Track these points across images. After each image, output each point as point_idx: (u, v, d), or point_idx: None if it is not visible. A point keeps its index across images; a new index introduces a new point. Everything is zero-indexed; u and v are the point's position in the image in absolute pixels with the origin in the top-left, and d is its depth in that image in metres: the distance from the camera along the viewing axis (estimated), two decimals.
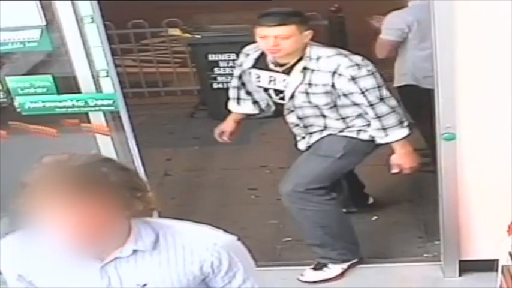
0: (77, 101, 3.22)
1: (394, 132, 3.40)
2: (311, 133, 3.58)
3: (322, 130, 3.53)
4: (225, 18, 5.69)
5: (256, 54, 3.50)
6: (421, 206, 4.24)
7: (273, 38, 3.24)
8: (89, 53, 3.14)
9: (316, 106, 3.41)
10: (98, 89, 3.22)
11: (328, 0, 5.90)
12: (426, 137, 4.50)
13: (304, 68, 3.33)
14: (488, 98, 3.14)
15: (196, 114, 5.90)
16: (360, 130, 3.49)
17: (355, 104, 3.37)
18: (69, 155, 1.59)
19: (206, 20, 5.72)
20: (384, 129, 3.39)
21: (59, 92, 3.20)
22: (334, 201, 3.62)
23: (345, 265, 3.73)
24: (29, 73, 3.35)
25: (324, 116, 3.46)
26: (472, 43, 3.01)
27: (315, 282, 3.72)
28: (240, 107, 3.82)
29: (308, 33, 3.33)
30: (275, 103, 3.63)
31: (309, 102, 3.38)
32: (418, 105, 4.24)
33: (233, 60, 5.56)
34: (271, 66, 3.42)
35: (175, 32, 6.01)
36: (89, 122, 3.33)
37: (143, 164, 3.44)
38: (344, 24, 5.84)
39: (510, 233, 3.05)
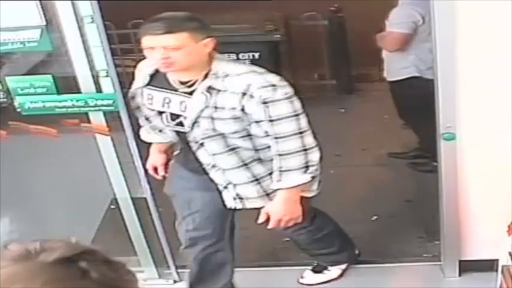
0: (77, 101, 3.22)
1: (290, 177, 2.76)
2: (235, 184, 2.89)
3: (252, 181, 2.88)
4: (225, 18, 5.68)
5: (150, 70, 2.87)
6: (421, 206, 4.23)
7: (161, 49, 2.63)
8: (89, 53, 3.14)
9: (222, 135, 2.76)
10: (98, 89, 3.22)
11: (328, 0, 5.90)
12: (426, 132, 4.52)
13: (210, 88, 2.70)
14: (488, 98, 3.14)
15: None
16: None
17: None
18: (41, 244, 1.23)
19: (206, 20, 5.71)
20: (280, 171, 2.75)
21: (59, 92, 3.20)
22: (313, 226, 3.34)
23: (344, 266, 3.73)
24: (29, 73, 3.35)
25: (236, 153, 2.81)
26: (472, 43, 3.01)
27: (316, 284, 3.72)
28: (149, 135, 3.17)
29: (208, 42, 2.74)
30: (177, 133, 2.91)
31: (214, 129, 2.73)
32: (420, 97, 4.26)
33: (233, 60, 5.57)
34: (173, 84, 2.81)
35: None
36: (89, 122, 3.33)
37: (143, 164, 3.44)
38: (344, 24, 5.83)
39: (510, 233, 3.05)
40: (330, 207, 4.37)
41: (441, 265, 3.71)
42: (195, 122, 2.74)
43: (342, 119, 5.59)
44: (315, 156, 2.76)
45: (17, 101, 3.26)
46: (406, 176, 4.66)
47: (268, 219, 2.87)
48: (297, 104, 2.73)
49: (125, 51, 6.16)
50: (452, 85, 3.11)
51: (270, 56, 5.58)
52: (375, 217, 4.25)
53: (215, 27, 5.57)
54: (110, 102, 3.21)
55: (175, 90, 2.78)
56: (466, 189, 3.40)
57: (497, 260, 3.10)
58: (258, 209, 2.94)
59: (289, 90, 2.73)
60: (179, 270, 3.80)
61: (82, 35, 3.09)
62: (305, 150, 2.72)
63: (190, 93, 2.74)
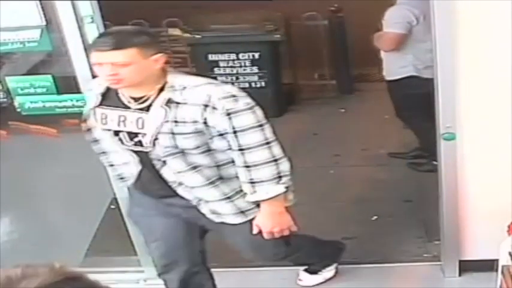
0: (77, 101, 3.22)
1: (264, 188, 2.66)
2: (207, 201, 2.77)
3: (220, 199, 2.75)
4: (225, 18, 5.69)
5: (101, 89, 2.72)
6: (421, 206, 4.24)
7: (109, 65, 2.50)
8: (89, 53, 3.14)
9: (183, 152, 2.63)
10: None
11: (328, 0, 5.90)
12: (424, 131, 4.55)
13: (169, 101, 2.58)
14: (488, 98, 3.14)
15: None
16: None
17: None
18: (23, 271, 1.16)
19: (206, 20, 5.72)
20: (253, 182, 2.65)
21: (59, 92, 3.21)
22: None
23: (333, 266, 3.71)
24: (29, 73, 3.35)
25: (198, 171, 2.67)
26: (472, 43, 3.01)
27: (314, 286, 3.72)
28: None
29: (158, 58, 2.59)
30: (137, 154, 2.73)
31: (175, 146, 2.60)
32: (417, 97, 4.31)
33: (233, 60, 5.58)
34: (125, 101, 2.66)
35: (175, 32, 6.01)
36: None
37: None
38: (344, 24, 5.84)
39: (510, 233, 3.05)
40: (330, 207, 4.38)
41: (441, 265, 3.71)
42: (155, 139, 2.60)
43: (342, 119, 5.60)
44: (285, 166, 2.67)
45: (17, 101, 3.26)
46: (406, 176, 4.66)
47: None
48: (260, 114, 2.63)
49: None
50: (452, 85, 3.11)
51: (270, 56, 5.59)
52: (375, 217, 4.25)
53: (215, 27, 5.63)
54: None
55: (129, 107, 2.65)
56: (466, 189, 3.40)
57: (497, 260, 3.09)
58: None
59: (250, 100, 2.61)
60: None
61: (82, 35, 3.09)
62: (275, 160, 2.63)
63: (147, 109, 2.61)
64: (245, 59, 5.57)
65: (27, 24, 3.07)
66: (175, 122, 2.56)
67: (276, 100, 5.72)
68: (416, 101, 4.34)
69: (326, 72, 6.11)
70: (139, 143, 2.66)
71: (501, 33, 2.95)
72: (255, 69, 5.59)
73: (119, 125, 2.67)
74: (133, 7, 6.12)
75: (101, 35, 2.64)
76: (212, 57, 5.59)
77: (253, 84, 5.64)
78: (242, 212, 2.78)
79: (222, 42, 5.55)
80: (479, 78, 3.10)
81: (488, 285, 3.19)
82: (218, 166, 2.69)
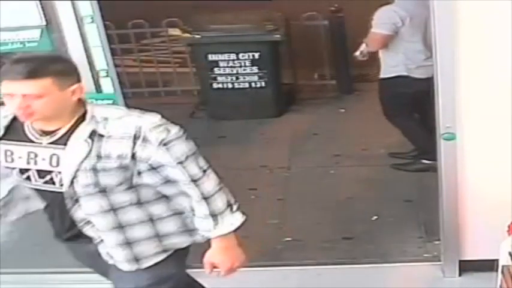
0: None
1: (228, 220, 2.45)
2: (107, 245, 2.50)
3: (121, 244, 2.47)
4: (225, 18, 5.69)
5: (6, 121, 2.38)
6: (421, 206, 4.24)
7: (20, 97, 2.20)
8: (89, 53, 3.14)
9: (104, 191, 2.36)
10: (98, 89, 3.22)
11: (328, 0, 5.91)
12: (412, 131, 4.62)
13: (92, 134, 2.29)
14: (488, 98, 3.14)
15: (196, 114, 5.91)
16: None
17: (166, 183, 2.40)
18: None
19: (206, 20, 5.72)
20: (214, 215, 2.42)
21: None
22: None
23: None
24: None
25: (115, 213, 2.41)
26: (472, 43, 3.01)
27: None
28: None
29: (76, 89, 2.29)
30: (43, 193, 2.44)
31: (96, 184, 2.32)
32: (407, 96, 4.40)
33: (233, 60, 5.58)
34: (34, 135, 2.35)
35: (175, 32, 6.01)
36: None
37: None
38: (344, 24, 5.84)
39: (510, 233, 3.05)
40: (330, 207, 4.39)
41: (441, 265, 3.71)
42: (74, 177, 2.31)
43: (342, 119, 5.60)
44: (227, 190, 2.47)
45: None
46: (406, 176, 4.66)
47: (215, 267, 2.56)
48: (191, 141, 2.41)
49: (124, 51, 6.17)
50: (452, 85, 3.11)
51: (270, 56, 5.59)
52: (375, 217, 4.25)
53: (215, 27, 5.63)
54: (110, 102, 3.22)
55: (40, 142, 2.33)
56: (466, 189, 3.40)
57: (497, 260, 3.09)
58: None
59: (178, 129, 2.38)
60: None
61: (82, 35, 3.09)
62: (221, 188, 2.44)
63: (64, 143, 2.30)
64: (245, 59, 5.57)
65: (27, 24, 3.07)
66: (98, 157, 2.29)
67: (276, 100, 5.73)
68: (405, 100, 4.48)
69: (326, 72, 6.12)
70: (51, 181, 2.36)
71: (501, 33, 2.95)
72: (255, 69, 5.59)
73: (28, 162, 2.35)
74: (133, 7, 6.13)
75: (13, 62, 2.26)
76: (212, 57, 5.59)
77: (253, 84, 5.64)
78: (137, 260, 2.50)
79: (222, 42, 5.55)
80: (479, 78, 3.10)
81: (488, 285, 3.19)
82: (141, 204, 2.42)
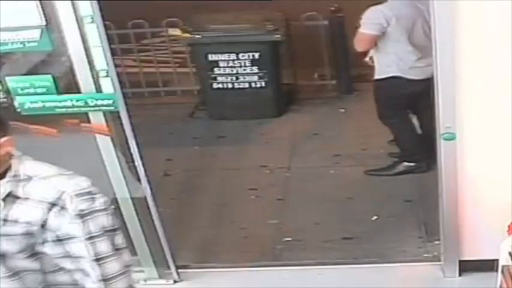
0: (77, 101, 3.22)
1: None
2: None
3: None
4: (225, 18, 5.69)
5: None
6: (421, 206, 4.24)
7: None
8: (89, 53, 3.14)
9: (3, 256, 2.06)
10: (98, 89, 3.22)
11: (328, 0, 5.91)
12: (404, 132, 4.62)
13: (8, 195, 2.02)
14: (488, 98, 3.14)
15: (196, 114, 5.90)
16: None
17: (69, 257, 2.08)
18: None
19: (206, 20, 5.72)
20: None
21: (59, 92, 3.21)
22: None
23: None
24: (29, 73, 3.35)
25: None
26: (472, 43, 3.01)
27: None
28: None
29: (4, 142, 2.03)
30: None
31: None
32: (400, 97, 4.41)
33: (233, 60, 5.58)
34: None
35: (175, 32, 6.01)
36: (89, 122, 3.33)
37: (143, 164, 3.45)
38: (344, 24, 5.84)
39: (510, 233, 3.05)
40: (330, 207, 4.39)
41: (441, 265, 3.71)
42: None
43: (342, 119, 5.60)
44: (132, 275, 2.18)
45: (17, 101, 3.26)
46: (406, 176, 4.66)
47: None
48: (116, 218, 2.13)
49: (124, 51, 6.17)
50: (452, 85, 3.11)
51: (270, 56, 5.59)
52: (375, 217, 4.25)
53: (215, 27, 5.63)
54: (110, 102, 3.22)
55: None
56: (466, 189, 3.40)
57: (497, 260, 3.10)
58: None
59: (105, 200, 2.10)
60: (179, 270, 3.80)
61: (82, 35, 3.09)
62: (128, 270, 2.14)
63: None
64: (245, 59, 5.57)
65: (27, 24, 3.07)
66: (4, 220, 2.01)
67: (276, 100, 5.73)
68: (400, 101, 4.48)
69: (326, 72, 6.12)
70: None
71: (501, 33, 2.95)
72: (255, 69, 5.59)
73: None
74: (133, 7, 6.13)
75: None
76: (212, 57, 5.59)
77: (253, 84, 5.64)
78: None
79: (222, 42, 5.55)
80: (479, 78, 3.10)
81: (488, 285, 3.20)
82: (45, 273, 2.15)
